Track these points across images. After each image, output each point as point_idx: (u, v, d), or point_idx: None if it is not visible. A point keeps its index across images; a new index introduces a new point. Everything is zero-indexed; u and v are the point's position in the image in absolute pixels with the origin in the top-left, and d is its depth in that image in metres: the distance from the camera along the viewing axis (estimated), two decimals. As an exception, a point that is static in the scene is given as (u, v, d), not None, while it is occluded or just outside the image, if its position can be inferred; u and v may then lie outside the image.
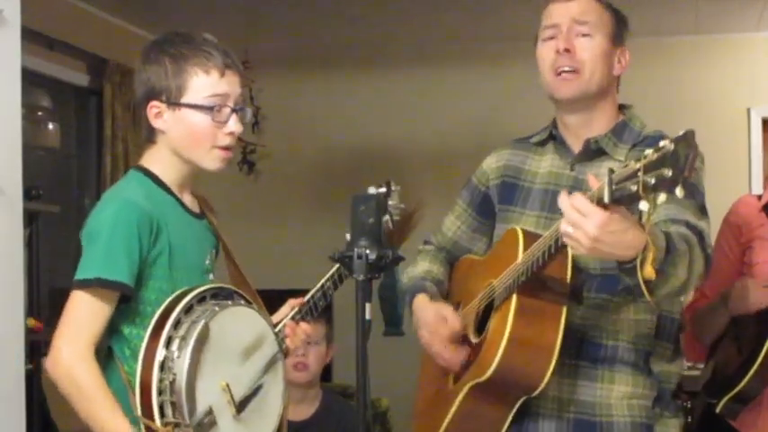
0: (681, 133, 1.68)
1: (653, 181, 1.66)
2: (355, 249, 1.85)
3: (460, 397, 2.21)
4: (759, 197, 2.71)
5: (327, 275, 2.32)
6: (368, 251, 1.84)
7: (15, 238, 3.04)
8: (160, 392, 1.94)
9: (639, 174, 1.68)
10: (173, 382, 1.93)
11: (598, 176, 1.83)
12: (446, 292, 2.48)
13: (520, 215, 2.33)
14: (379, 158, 6.10)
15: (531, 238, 2.14)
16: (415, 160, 5.95)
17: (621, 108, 2.38)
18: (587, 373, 2.22)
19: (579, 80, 2.24)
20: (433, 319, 2.29)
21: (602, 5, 2.31)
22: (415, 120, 6.18)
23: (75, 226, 5.23)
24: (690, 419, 3.90)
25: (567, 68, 2.24)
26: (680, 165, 1.64)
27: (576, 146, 2.30)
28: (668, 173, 1.64)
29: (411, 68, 6.27)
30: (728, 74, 5.91)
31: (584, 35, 2.26)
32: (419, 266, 2.51)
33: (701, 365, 2.78)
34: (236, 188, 6.20)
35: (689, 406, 3.96)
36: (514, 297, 2.09)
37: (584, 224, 1.78)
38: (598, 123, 2.30)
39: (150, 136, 2.15)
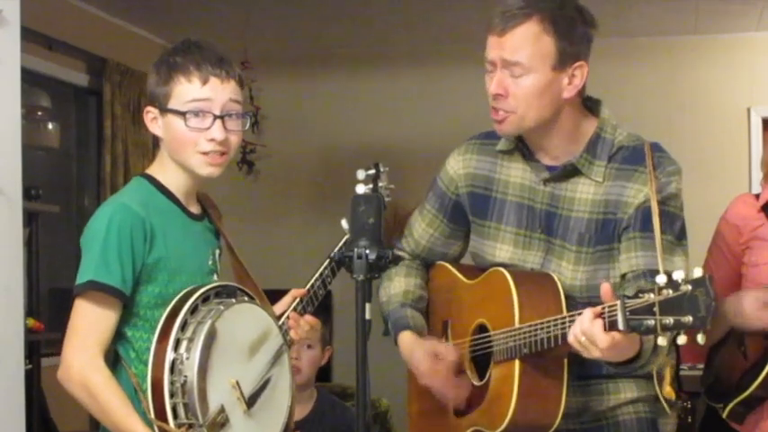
0: (697, 276, 1.73)
1: (671, 322, 1.74)
2: (355, 249, 1.85)
3: None
4: (757, 196, 2.70)
5: (325, 263, 2.34)
6: (368, 251, 1.84)
7: (15, 238, 3.04)
8: (172, 395, 1.96)
9: (656, 311, 1.75)
10: (184, 384, 1.95)
11: (612, 293, 1.90)
12: (426, 304, 2.45)
13: (497, 231, 2.29)
14: (378, 158, 6.08)
15: (523, 288, 2.14)
16: (415, 160, 5.94)
17: (589, 105, 2.26)
18: (594, 389, 2.23)
19: (512, 121, 2.15)
20: (426, 360, 2.27)
21: (542, 30, 2.10)
22: (415, 120, 6.18)
23: (74, 226, 5.23)
24: (690, 419, 3.90)
25: (501, 111, 2.16)
26: (700, 315, 1.72)
27: (544, 157, 2.24)
28: (688, 320, 1.72)
29: (411, 68, 6.27)
30: (728, 74, 5.91)
31: (516, 75, 2.12)
32: (395, 283, 2.43)
33: (701, 366, 2.77)
34: (236, 188, 6.20)
35: (689, 406, 3.96)
36: (517, 362, 2.10)
37: (590, 348, 1.90)
38: (559, 137, 2.21)
39: (155, 142, 2.19)
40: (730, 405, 2.55)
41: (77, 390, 1.99)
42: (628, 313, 1.80)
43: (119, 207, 2.05)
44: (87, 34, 5.27)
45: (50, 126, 4.88)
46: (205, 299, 2.05)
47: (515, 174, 2.29)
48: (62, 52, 5.12)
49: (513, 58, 2.11)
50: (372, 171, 2.24)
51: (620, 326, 1.81)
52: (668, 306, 1.74)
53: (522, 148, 2.27)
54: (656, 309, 1.75)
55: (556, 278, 2.16)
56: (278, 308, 2.28)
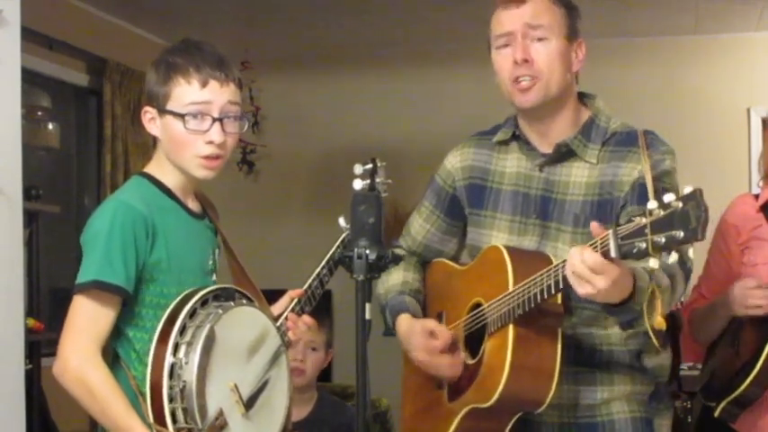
0: (688, 192, 1.70)
1: (663, 241, 1.70)
2: (355, 249, 1.85)
3: (459, 417, 2.22)
4: (756, 196, 2.70)
5: (323, 262, 2.35)
6: (368, 251, 1.84)
7: (15, 238, 3.04)
8: (171, 399, 1.95)
9: (647, 231, 1.72)
10: (183, 389, 1.95)
11: (603, 226, 1.87)
12: (423, 299, 2.46)
13: (492, 219, 2.32)
14: (379, 158, 6.09)
15: (517, 258, 2.14)
16: (415, 160, 5.94)
17: (582, 98, 2.32)
18: (587, 378, 2.23)
19: (538, 87, 2.19)
20: (422, 336, 2.28)
21: (552, 2, 2.22)
22: (415, 120, 6.18)
23: (75, 226, 5.23)
24: (690, 419, 3.91)
25: (527, 77, 2.19)
26: (692, 227, 1.68)
27: (541, 145, 2.27)
28: (680, 235, 1.68)
29: (411, 68, 6.27)
30: (728, 74, 5.91)
31: (539, 39, 2.19)
32: (394, 275, 2.46)
33: (701, 365, 2.78)
34: (236, 188, 6.21)
35: (688, 406, 3.96)
36: (511, 327, 2.09)
37: (596, 280, 1.85)
38: (562, 121, 2.26)
39: (154, 141, 2.18)
40: (722, 404, 2.56)
41: (74, 386, 1.98)
42: (620, 239, 1.77)
43: (121, 205, 2.04)
44: (87, 34, 5.27)
45: (50, 126, 4.88)
46: (204, 302, 2.04)
47: (511, 164, 2.32)
48: (62, 52, 5.12)
49: (537, 21, 2.20)
50: (370, 166, 2.25)
51: (613, 252, 1.79)
52: (659, 225, 1.71)
53: (520, 137, 2.30)
54: (647, 230, 1.72)
55: (550, 254, 2.16)
56: (275, 309, 2.28)
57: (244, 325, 2.10)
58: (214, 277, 2.20)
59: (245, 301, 2.15)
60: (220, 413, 1.98)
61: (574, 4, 2.27)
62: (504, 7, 2.23)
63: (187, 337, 1.97)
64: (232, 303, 2.09)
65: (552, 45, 2.19)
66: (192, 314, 2.01)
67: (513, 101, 2.24)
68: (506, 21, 2.22)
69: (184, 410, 1.94)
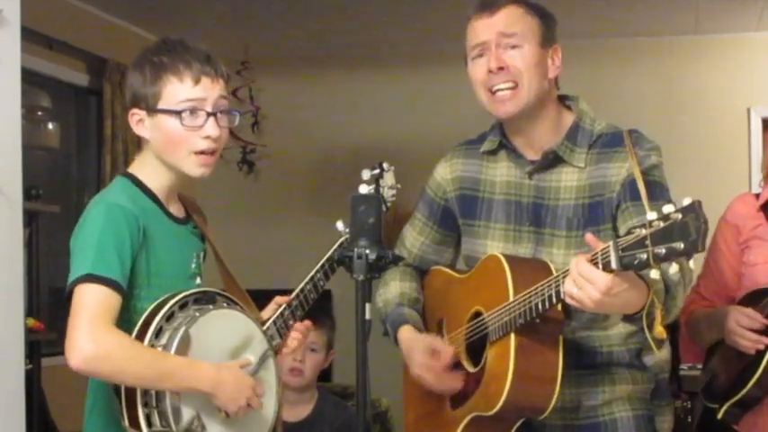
0: (687, 203, 1.71)
1: (663, 252, 1.72)
2: (355, 249, 1.85)
3: (463, 424, 2.23)
4: (757, 196, 2.71)
5: (317, 267, 2.33)
6: (368, 251, 1.84)
7: (15, 238, 3.04)
8: (145, 404, 1.92)
9: (647, 243, 1.73)
10: (157, 393, 1.92)
11: (598, 239, 1.88)
12: (422, 307, 2.47)
13: (486, 229, 2.32)
14: (378, 158, 6.08)
15: (516, 267, 2.15)
16: (415, 160, 5.93)
17: (564, 100, 2.32)
18: (588, 381, 2.24)
19: (518, 96, 2.20)
20: (425, 354, 2.28)
21: (525, 11, 2.23)
22: (415, 119, 6.18)
23: (74, 226, 5.23)
24: (689, 419, 3.91)
25: (503, 86, 2.20)
26: (692, 239, 1.69)
27: (529, 152, 2.28)
28: (680, 246, 1.70)
29: (410, 68, 6.27)
30: (728, 74, 5.91)
31: (513, 47, 2.20)
32: (391, 287, 2.46)
33: (701, 366, 2.78)
34: (236, 188, 6.21)
35: (688, 405, 3.96)
36: (513, 336, 2.09)
37: (588, 288, 1.85)
38: (544, 127, 2.26)
39: (139, 143, 2.16)
40: (725, 405, 2.56)
41: (103, 364, 1.87)
42: (620, 251, 1.78)
43: (111, 206, 2.01)
44: (87, 34, 5.28)
45: (50, 126, 4.88)
46: (183, 305, 2.01)
47: (501, 172, 2.33)
48: (62, 52, 5.12)
49: (510, 29, 2.21)
50: (377, 171, 2.25)
51: (614, 264, 1.79)
52: (659, 236, 1.72)
53: (507, 145, 2.31)
54: (647, 242, 1.73)
55: (548, 261, 2.17)
56: (263, 315, 2.26)
57: (223, 328, 2.07)
58: (198, 281, 2.17)
59: (225, 305, 2.12)
60: (197, 417, 1.95)
61: (548, 11, 2.27)
62: (478, 17, 2.24)
63: (163, 340, 1.94)
64: (211, 307, 2.05)
65: (527, 51, 2.20)
66: (169, 317, 1.97)
67: (490, 111, 2.25)
68: (480, 31, 2.23)
69: (159, 414, 1.91)
